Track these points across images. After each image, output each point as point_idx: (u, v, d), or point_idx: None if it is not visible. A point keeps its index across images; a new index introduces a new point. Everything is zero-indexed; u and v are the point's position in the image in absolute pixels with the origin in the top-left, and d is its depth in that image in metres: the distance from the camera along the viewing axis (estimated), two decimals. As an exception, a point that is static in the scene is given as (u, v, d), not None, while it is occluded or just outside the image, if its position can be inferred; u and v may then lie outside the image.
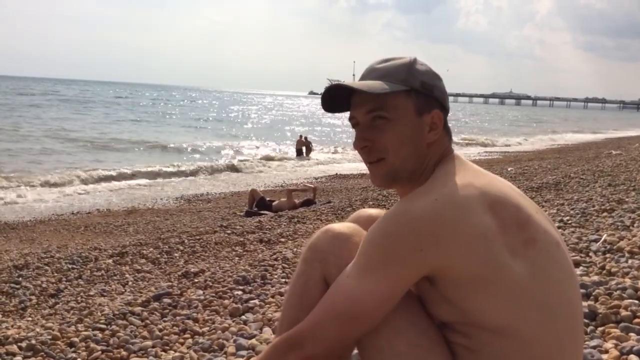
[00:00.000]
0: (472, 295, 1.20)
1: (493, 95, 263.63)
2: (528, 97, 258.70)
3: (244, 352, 2.25)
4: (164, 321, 2.86)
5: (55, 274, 4.60)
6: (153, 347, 2.52)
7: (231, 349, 2.31)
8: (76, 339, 2.63)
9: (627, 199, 4.94)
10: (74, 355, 2.48)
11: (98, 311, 3.14)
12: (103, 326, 2.80)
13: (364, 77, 1.39)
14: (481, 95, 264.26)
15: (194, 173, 16.52)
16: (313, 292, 1.39)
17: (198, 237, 5.65)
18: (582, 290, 2.48)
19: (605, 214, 4.41)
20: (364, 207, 7.02)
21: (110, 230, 8.08)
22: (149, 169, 16.05)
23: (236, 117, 49.76)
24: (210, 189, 13.98)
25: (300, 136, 23.28)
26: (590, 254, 3.24)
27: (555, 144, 27.92)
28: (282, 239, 5.29)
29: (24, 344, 2.55)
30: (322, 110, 1.45)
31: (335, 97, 1.41)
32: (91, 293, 3.98)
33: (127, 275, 4.43)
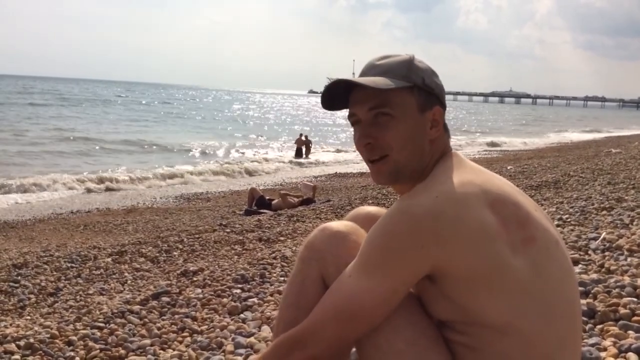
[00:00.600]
0: (473, 293, 1.19)
1: (493, 94, 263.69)
2: (528, 96, 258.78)
3: (242, 350, 2.24)
4: (163, 320, 2.85)
5: (54, 273, 4.59)
6: (151, 345, 2.52)
7: (229, 347, 2.31)
8: (74, 338, 2.63)
9: (626, 197, 4.94)
10: (72, 353, 2.47)
11: (97, 310, 3.13)
12: (101, 325, 2.80)
13: (364, 74, 1.37)
14: (481, 94, 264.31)
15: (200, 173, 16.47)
16: (310, 291, 1.39)
17: (197, 236, 5.65)
18: (581, 288, 2.48)
19: (604, 212, 4.41)
20: (367, 204, 7.02)
21: (110, 229, 8.08)
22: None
23: (237, 116, 49.69)
24: (210, 188, 13.99)
25: (300, 135, 23.28)
26: (590, 252, 3.23)
27: (559, 143, 27.91)
28: (282, 238, 5.29)
29: (22, 343, 2.55)
30: (322, 109, 1.44)
31: (335, 94, 1.40)
32: (90, 292, 3.97)
33: (126, 274, 4.43)
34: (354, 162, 19.08)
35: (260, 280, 3.35)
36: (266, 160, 20.48)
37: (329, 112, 1.48)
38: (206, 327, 2.70)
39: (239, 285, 3.25)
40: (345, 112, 1.42)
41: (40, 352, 2.48)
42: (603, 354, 1.88)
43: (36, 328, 2.83)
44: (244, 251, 4.85)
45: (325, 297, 1.30)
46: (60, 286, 4.22)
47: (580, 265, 2.93)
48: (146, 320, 2.86)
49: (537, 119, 66.15)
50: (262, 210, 8.50)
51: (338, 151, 23.81)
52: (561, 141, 29.95)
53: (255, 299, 2.99)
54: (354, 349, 1.41)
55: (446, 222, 1.17)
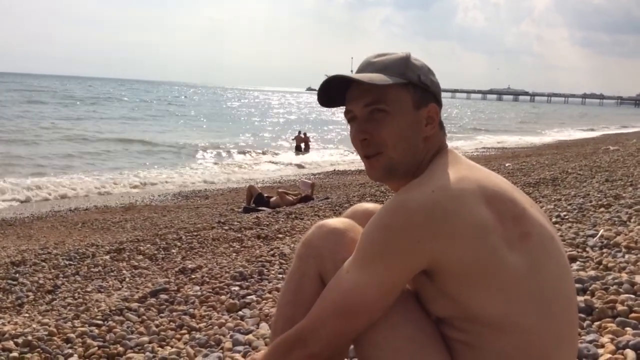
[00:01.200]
0: (470, 289, 1.19)
1: (491, 92, 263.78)
2: (526, 93, 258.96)
3: (240, 348, 2.25)
4: (161, 317, 2.85)
5: (53, 271, 4.59)
6: (150, 342, 2.52)
7: (228, 344, 2.31)
8: (72, 335, 2.63)
9: (624, 195, 4.94)
10: (70, 351, 2.47)
11: (95, 307, 3.13)
12: (100, 322, 2.80)
13: (360, 71, 1.38)
14: (479, 92, 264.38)
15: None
16: (308, 288, 1.39)
17: (195, 233, 5.65)
18: (579, 285, 2.49)
19: (602, 209, 4.42)
20: (365, 201, 7.03)
21: (108, 227, 8.07)
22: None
23: (237, 114, 49.63)
24: (208, 186, 13.98)
25: (299, 132, 23.29)
26: (587, 249, 3.24)
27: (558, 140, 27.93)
28: (280, 235, 5.29)
29: (20, 340, 2.55)
30: (323, 108, 1.44)
31: (332, 91, 1.40)
32: (88, 289, 3.97)
33: (124, 272, 4.42)
34: (353, 159, 19.07)
35: (259, 277, 3.35)
36: (265, 156, 20.49)
37: (329, 109, 1.49)
38: (204, 324, 2.70)
39: (238, 283, 3.25)
40: (341, 110, 1.43)
41: (39, 349, 2.48)
42: (600, 351, 1.88)
43: (34, 325, 2.83)
44: (242, 249, 4.85)
45: (323, 294, 1.30)
46: (58, 284, 4.21)
47: (578, 263, 2.93)
48: (144, 317, 2.86)
49: (542, 117, 65.96)
50: (260, 208, 8.49)
51: (337, 148, 23.81)
52: (572, 137, 30.02)
53: (253, 297, 2.99)
54: (352, 347, 1.41)
55: (442, 217, 1.17)
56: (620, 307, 2.21)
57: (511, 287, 1.18)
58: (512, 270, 1.18)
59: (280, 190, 9.58)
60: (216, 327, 2.59)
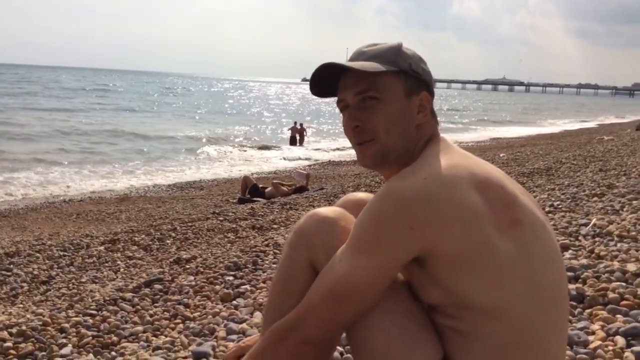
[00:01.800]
0: (461, 276, 1.20)
1: (486, 82, 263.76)
2: (521, 84, 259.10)
3: (234, 337, 2.25)
4: (155, 307, 2.86)
5: (47, 261, 4.58)
6: (144, 332, 2.52)
7: (222, 333, 2.32)
8: (67, 325, 2.63)
9: (617, 184, 4.97)
10: (64, 340, 2.47)
11: (89, 297, 3.13)
12: (94, 312, 2.80)
13: (352, 60, 1.38)
14: (474, 82, 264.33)
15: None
16: (299, 276, 1.40)
17: (190, 224, 5.64)
18: (571, 274, 2.50)
19: (595, 198, 4.43)
20: (360, 191, 7.04)
21: (102, 218, 8.06)
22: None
23: (231, 105, 49.42)
24: (203, 176, 13.97)
25: (295, 123, 23.24)
26: (580, 237, 3.25)
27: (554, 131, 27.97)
28: (275, 226, 5.29)
29: (14, 330, 2.55)
30: (319, 98, 1.45)
31: (324, 81, 1.41)
32: (83, 280, 3.97)
33: (118, 262, 4.42)
34: (348, 150, 19.07)
35: (253, 267, 3.35)
36: (260, 149, 20.47)
37: (324, 99, 1.49)
38: (199, 314, 2.70)
39: (232, 273, 3.26)
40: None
41: (33, 339, 2.48)
42: (591, 338, 1.90)
43: (28, 316, 2.83)
44: (237, 239, 4.85)
45: (317, 281, 1.31)
46: (52, 274, 4.21)
47: (570, 251, 2.95)
48: (139, 307, 2.87)
49: (541, 108, 65.80)
50: (255, 199, 8.50)
51: (332, 139, 23.79)
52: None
53: (247, 286, 3.00)
54: (343, 335, 1.41)
55: (434, 204, 1.17)
56: (611, 295, 2.23)
57: (501, 274, 1.19)
58: (503, 257, 1.18)
59: (275, 181, 9.58)
60: (210, 316, 2.60)
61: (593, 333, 1.94)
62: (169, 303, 2.88)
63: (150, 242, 5.00)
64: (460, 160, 1.27)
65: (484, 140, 23.24)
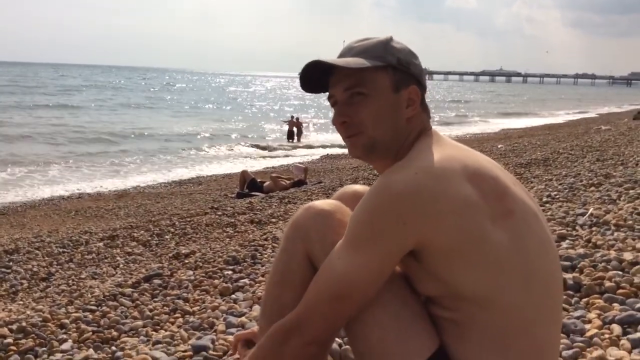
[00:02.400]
0: (455, 267, 1.21)
1: (483, 73, 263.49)
2: (518, 74, 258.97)
3: (233, 330, 2.26)
4: (155, 302, 2.87)
5: (46, 258, 4.59)
6: (144, 327, 2.54)
7: (221, 326, 2.33)
8: (67, 321, 2.64)
9: (614, 173, 4.98)
10: (64, 336, 2.48)
11: (89, 293, 3.15)
12: (94, 307, 2.81)
13: (342, 56, 1.39)
14: (472, 73, 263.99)
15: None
16: (296, 269, 1.40)
17: (189, 219, 5.65)
18: (567, 263, 2.52)
19: (592, 188, 4.45)
20: (358, 184, 7.05)
21: (101, 214, 8.06)
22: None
23: (229, 100, 49.27)
24: (201, 172, 13.97)
25: (292, 117, 23.21)
26: (577, 227, 3.27)
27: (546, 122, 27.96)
28: (273, 220, 5.30)
29: (14, 327, 2.56)
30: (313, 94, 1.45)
31: (314, 77, 1.42)
32: (82, 276, 3.98)
33: (118, 258, 4.44)
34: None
35: (252, 261, 3.37)
36: (257, 143, 20.48)
37: (319, 95, 1.50)
38: (198, 308, 2.72)
39: (230, 267, 3.27)
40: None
41: (33, 335, 2.49)
42: (588, 326, 1.91)
43: (28, 312, 2.84)
44: (235, 233, 4.87)
45: (315, 281, 1.31)
46: (52, 271, 4.22)
47: (567, 241, 2.96)
48: (138, 302, 2.88)
49: (547, 98, 65.41)
50: (253, 193, 8.50)
51: (330, 133, 23.79)
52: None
53: (246, 280, 3.01)
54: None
55: (426, 197, 1.18)
56: (608, 284, 2.25)
57: (494, 264, 1.20)
58: (495, 247, 1.19)
59: (273, 175, 9.58)
60: (209, 310, 2.61)
61: (589, 321, 1.96)
62: (168, 298, 2.89)
63: (149, 238, 5.01)
64: (453, 152, 1.28)
65: (492, 131, 23.15)
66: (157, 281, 3.15)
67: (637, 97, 65.67)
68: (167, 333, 2.40)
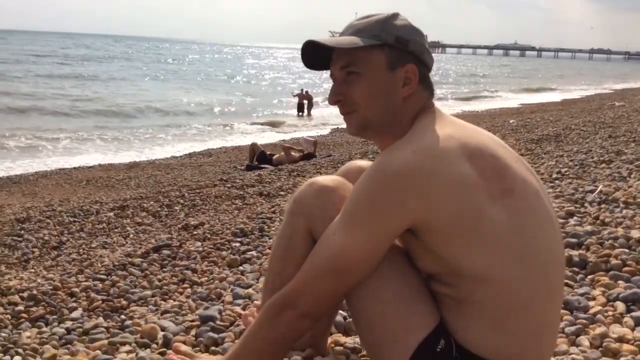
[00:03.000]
0: (453, 245, 1.22)
1: (497, 47, 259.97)
2: (532, 48, 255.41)
3: (240, 301, 2.29)
4: (163, 272, 2.91)
5: (57, 227, 4.65)
6: (152, 296, 2.58)
7: (228, 297, 2.36)
8: (77, 289, 2.68)
9: (626, 150, 4.94)
10: (74, 304, 2.53)
11: (98, 262, 3.19)
12: (103, 277, 2.85)
13: (342, 34, 1.40)
14: (485, 47, 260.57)
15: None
16: (298, 244, 1.42)
17: (198, 191, 5.68)
18: (574, 240, 2.52)
19: (603, 165, 4.42)
20: (367, 158, 7.04)
21: (112, 184, 8.13)
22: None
23: (239, 72, 48.99)
24: (211, 144, 14.00)
25: (302, 90, 23.08)
26: (586, 204, 3.26)
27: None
28: (282, 192, 5.32)
29: (25, 294, 2.61)
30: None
31: (318, 56, 1.42)
32: (93, 245, 4.03)
33: (128, 228, 4.48)
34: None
35: (260, 234, 3.39)
36: (267, 116, 20.44)
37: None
38: (206, 279, 2.75)
39: (238, 239, 3.30)
40: None
41: (44, 303, 2.54)
42: (592, 303, 1.92)
43: (39, 280, 2.89)
44: (244, 206, 4.89)
45: (311, 255, 1.33)
46: (63, 240, 4.27)
47: (575, 218, 2.96)
48: (147, 272, 2.92)
49: (565, 73, 64.17)
50: (263, 166, 8.53)
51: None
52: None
53: (254, 252, 3.04)
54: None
55: (424, 177, 1.19)
56: (614, 261, 2.25)
57: (492, 242, 1.21)
58: (493, 225, 1.20)
59: (285, 145, 9.59)
60: (217, 281, 2.65)
61: (594, 298, 1.96)
62: (177, 268, 2.93)
63: (159, 209, 5.05)
64: (453, 130, 1.28)
65: (505, 107, 22.90)
66: (166, 252, 3.18)
67: (653, 73, 64.70)
68: (176, 303, 2.43)
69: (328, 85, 1.38)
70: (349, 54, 1.35)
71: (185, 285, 2.69)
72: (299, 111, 21.89)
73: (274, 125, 18.50)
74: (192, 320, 2.13)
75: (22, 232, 4.48)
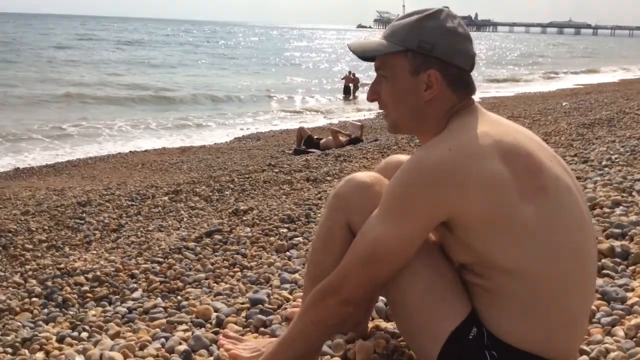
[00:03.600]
0: (485, 239, 1.29)
1: (551, 24, 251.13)
2: (588, 26, 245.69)
3: (287, 285, 2.42)
4: (216, 256, 3.06)
5: (116, 211, 4.89)
6: (206, 279, 2.73)
7: (276, 282, 2.49)
8: (137, 271, 2.87)
9: (681, 137, 4.81)
10: (135, 285, 2.71)
11: (156, 246, 3.38)
12: (160, 259, 3.03)
13: (384, 33, 1.48)
14: (538, 25, 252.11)
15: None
16: (337, 236, 1.53)
17: (247, 176, 5.85)
18: (618, 230, 2.52)
19: (656, 152, 4.32)
20: (410, 146, 7.06)
21: (166, 168, 8.42)
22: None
23: (287, 57, 49.01)
24: (260, 128, 14.21)
25: (349, 72, 23.02)
26: (634, 193, 3.21)
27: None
28: (329, 178, 5.43)
29: (90, 275, 2.81)
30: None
31: None
32: (150, 228, 4.25)
33: (182, 212, 4.69)
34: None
35: (306, 220, 3.51)
36: (314, 100, 20.52)
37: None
38: (255, 263, 2.89)
39: (286, 225, 3.42)
40: None
41: (107, 284, 2.73)
42: (630, 294, 1.95)
43: (102, 262, 3.09)
44: (291, 191, 5.03)
45: (352, 246, 1.43)
46: (122, 223, 4.51)
47: (621, 207, 2.93)
48: (201, 256, 3.08)
49: (624, 54, 61.31)
50: (310, 150, 8.65)
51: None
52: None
53: (300, 238, 3.16)
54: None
55: (458, 173, 1.26)
56: (657, 253, 2.24)
57: (522, 237, 1.27)
58: (524, 221, 1.26)
59: (333, 129, 9.68)
60: (265, 266, 2.78)
61: (632, 290, 1.98)
62: (228, 253, 3.08)
63: (210, 193, 5.24)
64: (489, 128, 1.33)
65: (560, 88, 22.24)
66: (217, 237, 3.34)
67: None
68: (227, 286, 2.58)
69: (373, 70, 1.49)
70: (379, 58, 1.44)
71: (236, 269, 2.84)
72: (345, 94, 21.88)
73: (320, 109, 18.57)
74: (243, 303, 2.27)
75: (84, 215, 4.73)
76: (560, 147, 5.49)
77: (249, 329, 2.04)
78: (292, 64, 38.94)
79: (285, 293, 2.33)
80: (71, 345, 2.05)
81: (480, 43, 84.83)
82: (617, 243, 2.38)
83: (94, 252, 3.69)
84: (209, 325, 2.12)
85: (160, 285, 2.69)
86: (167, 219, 4.55)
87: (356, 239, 1.42)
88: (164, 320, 2.19)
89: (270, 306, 2.19)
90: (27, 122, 13.45)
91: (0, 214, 4.86)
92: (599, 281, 2.03)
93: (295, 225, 3.41)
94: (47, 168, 9.19)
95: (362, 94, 21.76)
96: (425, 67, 1.39)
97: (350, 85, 22.03)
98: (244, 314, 2.16)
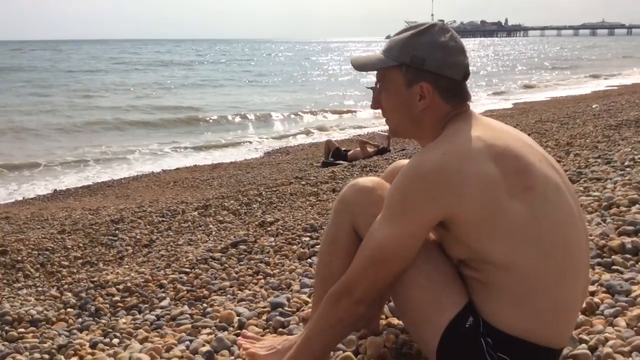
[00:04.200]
0: (478, 236, 1.39)
1: (583, 26, 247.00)
2: (622, 26, 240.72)
3: (306, 289, 2.53)
4: (240, 265, 3.19)
5: (148, 227, 5.06)
6: (230, 286, 2.86)
7: (296, 287, 2.60)
8: (165, 281, 3.01)
9: None
10: (163, 294, 2.85)
11: (183, 257, 3.52)
12: (188, 270, 3.17)
13: (383, 47, 1.60)
14: (570, 27, 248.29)
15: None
16: (342, 238, 1.64)
17: (275, 189, 5.97)
18: (630, 228, 2.55)
19: (680, 152, 4.30)
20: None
21: (197, 185, 8.61)
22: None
23: (321, 71, 49.38)
24: (289, 142, 14.40)
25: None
26: (653, 192, 3.22)
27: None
28: (353, 188, 5.50)
29: (121, 287, 2.96)
30: None
31: None
32: (179, 242, 4.40)
33: (210, 226, 4.83)
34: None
35: (328, 228, 3.60)
36: (340, 113, 20.67)
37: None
38: (278, 270, 3.00)
39: (308, 234, 3.53)
40: None
41: (137, 293, 2.88)
42: (635, 287, 1.99)
43: (132, 274, 3.25)
44: (317, 202, 5.13)
45: (360, 249, 1.53)
46: (153, 238, 4.67)
47: (637, 206, 2.96)
48: (226, 265, 3.21)
49: None
50: (338, 162, 8.73)
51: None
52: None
53: (322, 246, 3.26)
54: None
55: (452, 176, 1.36)
56: (666, 249, 2.27)
57: (513, 233, 1.36)
58: (513, 219, 1.36)
59: (362, 140, 9.75)
60: (287, 272, 2.89)
61: (638, 283, 2.03)
62: (252, 261, 3.20)
63: (239, 207, 5.38)
64: (481, 133, 1.43)
65: (593, 90, 21.90)
66: (242, 247, 3.47)
67: None
68: (250, 292, 2.70)
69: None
70: (379, 71, 1.58)
71: (259, 277, 2.96)
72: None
73: (347, 119, 18.67)
74: (264, 307, 2.38)
75: (117, 232, 4.92)
76: (584, 149, 5.47)
77: (268, 329, 2.15)
78: (321, 78, 39.18)
79: (304, 297, 2.43)
80: (103, 350, 2.19)
81: (513, 49, 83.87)
82: (628, 239, 2.41)
83: (126, 266, 3.85)
84: (231, 329, 2.24)
85: (187, 293, 2.82)
86: (197, 232, 4.69)
87: (363, 242, 1.53)
88: (189, 325, 2.32)
89: (289, 309, 2.31)
90: (62, 148, 13.87)
91: (39, 234, 5.09)
92: (606, 276, 2.08)
93: (317, 234, 3.52)
94: (83, 189, 9.51)
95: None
96: (418, 80, 1.51)
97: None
98: (264, 317, 2.28)
